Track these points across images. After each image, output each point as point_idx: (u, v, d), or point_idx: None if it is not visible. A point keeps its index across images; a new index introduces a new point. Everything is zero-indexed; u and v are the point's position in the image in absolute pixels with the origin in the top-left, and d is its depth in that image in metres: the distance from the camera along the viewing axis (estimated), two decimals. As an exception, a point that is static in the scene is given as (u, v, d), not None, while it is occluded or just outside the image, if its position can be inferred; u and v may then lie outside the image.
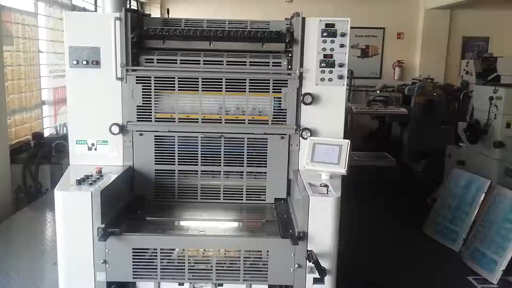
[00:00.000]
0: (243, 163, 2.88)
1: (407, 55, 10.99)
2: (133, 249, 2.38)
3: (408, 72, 11.10)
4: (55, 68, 5.74)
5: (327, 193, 2.43)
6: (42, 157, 4.59)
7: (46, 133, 5.36)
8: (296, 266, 2.39)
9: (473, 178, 4.70)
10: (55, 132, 5.50)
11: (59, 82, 5.86)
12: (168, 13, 3.81)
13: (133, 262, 2.39)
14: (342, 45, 2.75)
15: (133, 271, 2.40)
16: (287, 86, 2.78)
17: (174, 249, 2.42)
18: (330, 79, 2.77)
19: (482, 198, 4.49)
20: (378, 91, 7.86)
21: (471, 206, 4.57)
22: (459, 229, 4.60)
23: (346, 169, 2.60)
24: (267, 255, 2.40)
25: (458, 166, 5.10)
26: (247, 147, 2.86)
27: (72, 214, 2.36)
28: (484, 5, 9.95)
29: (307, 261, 2.36)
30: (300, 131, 2.81)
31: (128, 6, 3.71)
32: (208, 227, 2.59)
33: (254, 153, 2.87)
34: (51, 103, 5.72)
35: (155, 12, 8.49)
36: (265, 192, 2.90)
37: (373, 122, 7.98)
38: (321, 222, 2.37)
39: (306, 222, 2.36)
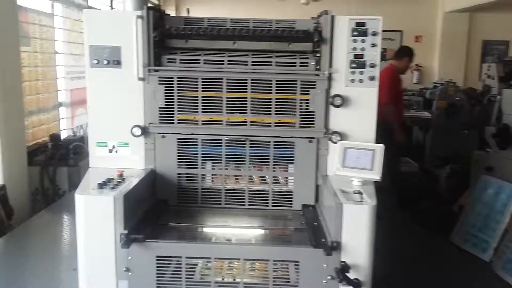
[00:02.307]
0: (269, 167, 2.75)
1: (426, 59, 10.82)
2: (157, 256, 2.27)
3: (426, 76, 10.93)
4: (72, 70, 5.70)
5: (361, 200, 2.29)
6: (60, 159, 4.52)
7: (63, 135, 5.31)
8: (328, 277, 2.25)
9: (503, 185, 4.51)
10: (72, 134, 5.44)
11: (76, 84, 5.82)
12: (188, 13, 3.71)
13: (157, 270, 2.28)
14: (373, 45, 2.61)
15: (157, 280, 2.28)
16: (315, 88, 2.65)
17: (199, 258, 2.30)
18: (361, 80, 2.64)
19: (513, 206, 4.30)
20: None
21: (502, 214, 4.38)
22: (489, 238, 4.41)
23: (380, 175, 2.45)
24: (298, 266, 2.27)
25: (486, 173, 4.91)
26: (274, 150, 2.73)
27: (93, 219, 2.26)
28: (503, 9, 9.75)
29: (338, 274, 2.22)
30: (329, 135, 2.67)
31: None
32: (234, 235, 2.46)
33: (281, 157, 2.74)
34: (68, 105, 5.68)
35: (170, 13, 8.39)
36: (292, 198, 2.77)
37: (392, 126, 7.79)
38: (356, 232, 2.23)
39: (340, 231, 2.22)
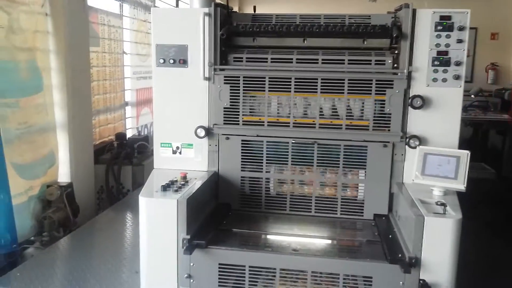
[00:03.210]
0: (338, 172, 2.57)
1: (502, 57, 10.05)
2: (219, 264, 2.17)
3: (503, 76, 10.16)
4: (138, 70, 5.80)
5: (445, 213, 2.06)
6: (125, 158, 4.58)
7: (129, 134, 5.40)
8: (405, 297, 2.04)
9: None
10: (137, 133, 5.52)
11: (142, 84, 5.92)
12: (254, 10, 3.59)
13: (219, 278, 2.18)
14: (459, 41, 2.36)
15: (219, 288, 2.18)
16: (392, 88, 2.44)
17: (264, 268, 2.16)
18: (444, 80, 2.39)
19: None
20: (473, 96, 7.15)
21: None
22: None
23: (465, 185, 2.20)
24: (371, 282, 2.07)
25: None
26: (344, 155, 2.55)
27: (157, 222, 2.20)
28: None
29: (420, 292, 2.01)
30: (407, 139, 2.45)
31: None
32: (301, 243, 2.30)
33: (352, 162, 2.55)
34: (134, 104, 5.77)
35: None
36: (363, 206, 2.58)
37: (466, 129, 7.28)
38: (438, 248, 2.01)
39: (420, 246, 2.01)
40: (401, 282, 2.04)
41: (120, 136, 4.90)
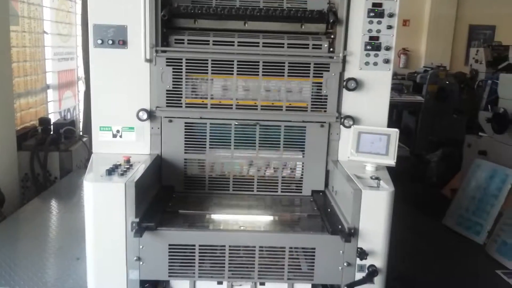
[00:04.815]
0: (279, 152, 2.69)
1: (413, 43, 10.85)
2: (169, 245, 2.20)
3: (413, 60, 10.97)
4: (59, 51, 5.49)
5: (379, 186, 2.26)
6: (51, 144, 4.35)
7: (52, 119, 5.12)
8: (345, 264, 2.22)
9: (498, 169, 4.56)
10: (62, 118, 5.26)
11: (63, 65, 5.62)
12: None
13: (169, 259, 2.21)
14: (389, 27, 2.55)
15: (169, 269, 2.22)
16: (329, 71, 2.59)
17: (213, 246, 2.23)
18: (375, 63, 2.58)
19: (508, 189, 4.35)
20: (389, 79, 7.66)
21: (496, 197, 4.44)
22: (483, 221, 4.47)
23: (395, 160, 2.42)
24: (314, 252, 2.22)
25: (480, 156, 4.95)
26: (284, 135, 2.67)
27: (104, 207, 2.16)
28: (491, -7, 9.80)
29: (358, 259, 2.20)
30: (342, 119, 2.62)
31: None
32: (246, 222, 2.40)
33: (291, 142, 2.68)
34: (55, 87, 5.47)
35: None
36: (301, 183, 2.72)
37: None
38: (374, 218, 2.20)
39: (357, 217, 2.18)
40: (341, 251, 2.22)
41: (44, 121, 4.63)
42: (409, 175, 6.54)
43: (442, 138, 6.37)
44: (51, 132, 4.58)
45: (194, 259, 2.21)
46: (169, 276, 2.24)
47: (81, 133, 5.44)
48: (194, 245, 2.21)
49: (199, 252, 2.21)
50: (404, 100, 6.84)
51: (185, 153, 2.67)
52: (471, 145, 5.34)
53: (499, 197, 4.43)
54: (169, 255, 2.21)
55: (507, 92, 4.69)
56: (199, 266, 2.22)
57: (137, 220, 2.13)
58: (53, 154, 4.37)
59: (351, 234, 2.17)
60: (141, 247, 2.19)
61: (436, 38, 10.58)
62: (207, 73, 2.57)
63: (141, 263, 2.20)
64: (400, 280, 3.72)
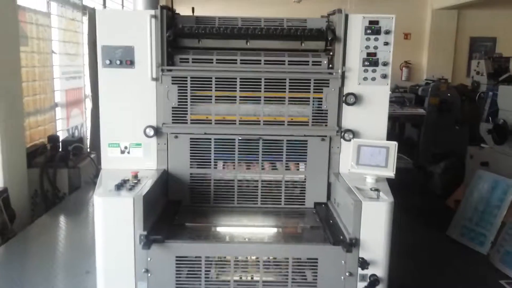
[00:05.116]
0: (281, 166, 2.77)
1: (414, 56, 10.95)
2: (176, 257, 2.27)
3: (415, 73, 11.06)
4: (67, 70, 5.62)
5: (378, 197, 2.33)
6: (60, 161, 4.46)
7: (60, 136, 5.23)
8: (347, 274, 2.28)
9: (499, 180, 4.60)
10: (70, 135, 5.37)
11: (71, 84, 5.75)
12: (193, 12, 3.68)
13: (176, 271, 2.28)
14: (386, 43, 2.65)
15: (176, 281, 2.29)
16: (328, 86, 2.68)
17: (219, 257, 2.30)
18: (374, 78, 2.67)
19: (510, 200, 4.39)
20: (390, 92, 7.75)
21: (498, 208, 4.47)
22: (486, 232, 4.50)
23: (394, 172, 2.49)
24: (317, 263, 2.29)
25: (482, 168, 5.00)
26: (286, 149, 2.75)
27: (113, 220, 2.25)
28: (491, 6, 9.92)
29: (360, 269, 2.26)
30: (342, 133, 2.70)
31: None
32: (251, 233, 2.48)
33: (294, 156, 2.76)
34: (64, 106, 5.60)
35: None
36: (304, 196, 2.80)
37: (385, 123, 7.88)
38: (374, 228, 2.27)
39: (358, 228, 2.25)
40: (343, 261, 2.28)
41: (53, 139, 4.74)
42: (412, 187, 6.58)
43: (445, 150, 6.42)
44: (60, 150, 4.68)
45: (200, 271, 2.28)
46: (176, 287, 2.30)
47: (88, 150, 5.55)
48: (200, 257, 2.28)
49: (206, 264, 2.28)
50: (406, 113, 6.91)
51: (190, 167, 2.76)
52: (473, 156, 5.39)
53: (502, 207, 4.46)
54: (176, 267, 2.28)
55: (507, 103, 4.76)
56: (206, 278, 2.29)
57: (145, 233, 2.21)
58: (62, 171, 4.47)
59: (352, 245, 2.23)
60: (149, 259, 2.27)
61: (437, 51, 10.68)
62: (211, 90, 2.67)
63: (149, 275, 2.28)
64: (404, 291, 3.76)
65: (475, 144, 5.65)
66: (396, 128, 7.76)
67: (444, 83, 7.25)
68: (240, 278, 2.33)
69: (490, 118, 5.18)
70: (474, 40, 10.89)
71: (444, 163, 6.19)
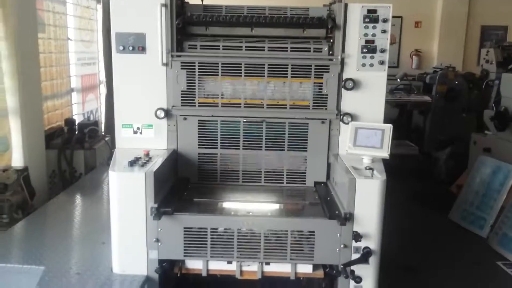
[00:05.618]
0: (284, 147, 2.94)
1: (425, 44, 10.91)
2: (184, 228, 2.47)
3: (425, 61, 11.03)
4: (82, 56, 5.84)
5: (372, 176, 2.49)
6: (76, 142, 4.69)
7: (77, 120, 5.46)
8: (342, 246, 2.46)
9: (501, 165, 4.73)
10: (86, 119, 5.60)
11: (86, 70, 5.97)
12: (202, 1, 3.84)
13: (184, 240, 2.48)
14: (383, 31, 2.78)
15: (184, 249, 2.49)
16: (328, 72, 2.83)
17: (224, 228, 2.49)
18: (372, 65, 2.81)
19: (510, 185, 4.52)
20: (399, 80, 7.84)
21: (499, 192, 4.60)
22: (486, 215, 4.64)
23: (388, 153, 2.65)
24: (314, 235, 2.47)
25: (485, 153, 5.12)
26: (288, 131, 2.92)
27: (127, 194, 2.45)
28: (503, -8, 9.85)
29: (354, 241, 2.44)
30: (341, 116, 2.86)
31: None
32: (254, 209, 2.66)
33: (295, 138, 2.93)
34: (79, 91, 5.82)
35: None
36: (305, 175, 2.97)
37: (393, 110, 7.98)
38: (367, 204, 2.43)
39: (353, 204, 2.42)
40: (338, 234, 2.46)
41: (70, 122, 4.98)
42: (418, 173, 6.72)
43: (450, 137, 6.52)
44: (76, 132, 4.92)
45: (206, 241, 2.48)
46: (184, 256, 2.51)
47: (103, 133, 5.78)
48: (206, 228, 2.47)
49: (211, 235, 2.48)
50: (412, 100, 7.01)
51: (198, 147, 2.94)
52: (476, 143, 5.50)
53: (502, 191, 4.59)
54: (184, 237, 2.48)
55: (509, 91, 4.85)
56: (211, 248, 2.49)
57: (156, 205, 2.41)
58: (78, 152, 4.70)
59: (346, 219, 2.40)
60: (159, 229, 2.47)
61: (448, 39, 10.65)
62: (217, 75, 2.84)
63: (159, 244, 2.48)
64: (404, 269, 3.94)
65: (481, 131, 5.75)
66: (404, 115, 7.85)
67: (452, 71, 7.32)
68: (242, 246, 2.51)
69: (494, 105, 5.27)
70: (485, 29, 10.83)
71: (449, 149, 6.31)
